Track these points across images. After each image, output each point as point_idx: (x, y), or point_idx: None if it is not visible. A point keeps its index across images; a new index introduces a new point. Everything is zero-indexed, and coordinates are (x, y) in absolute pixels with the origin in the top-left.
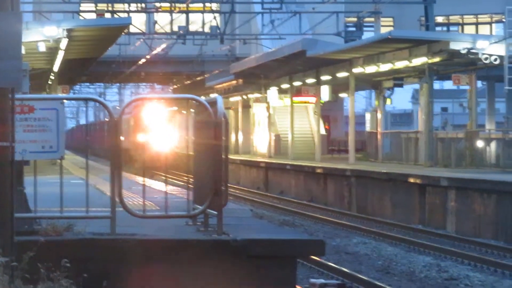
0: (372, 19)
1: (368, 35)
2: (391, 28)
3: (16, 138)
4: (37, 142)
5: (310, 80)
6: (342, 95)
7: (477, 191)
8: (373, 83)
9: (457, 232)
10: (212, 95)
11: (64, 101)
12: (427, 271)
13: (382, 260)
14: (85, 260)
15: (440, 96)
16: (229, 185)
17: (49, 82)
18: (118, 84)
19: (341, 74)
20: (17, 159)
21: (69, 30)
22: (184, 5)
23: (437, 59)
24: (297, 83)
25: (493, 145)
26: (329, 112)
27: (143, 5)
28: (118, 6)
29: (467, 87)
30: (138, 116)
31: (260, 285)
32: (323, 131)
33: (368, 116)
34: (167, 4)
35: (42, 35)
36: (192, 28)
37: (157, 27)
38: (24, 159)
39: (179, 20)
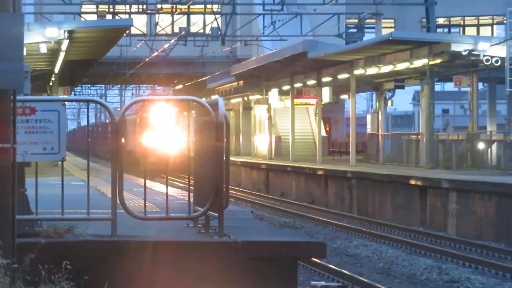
0: (373, 20)
1: (369, 36)
2: (392, 30)
3: (18, 139)
4: (38, 143)
5: (311, 82)
6: (343, 96)
7: (478, 193)
8: (374, 85)
9: (458, 234)
10: (213, 97)
11: (65, 102)
12: (428, 273)
13: (383, 262)
14: (86, 262)
15: (441, 98)
16: (230, 186)
17: (50, 84)
18: (119, 86)
19: (342, 76)
20: (18, 161)
21: (70, 32)
22: (185, 6)
23: (438, 61)
24: (298, 85)
25: (494, 147)
26: (330, 114)
27: (144, 6)
28: (119, 8)
29: (468, 89)
30: (144, 117)
31: (261, 287)
32: (324, 133)
33: (369, 117)
34: (168, 6)
35: (43, 37)
36: (193, 29)
37: (158, 28)
38: (25, 161)
39: (180, 21)
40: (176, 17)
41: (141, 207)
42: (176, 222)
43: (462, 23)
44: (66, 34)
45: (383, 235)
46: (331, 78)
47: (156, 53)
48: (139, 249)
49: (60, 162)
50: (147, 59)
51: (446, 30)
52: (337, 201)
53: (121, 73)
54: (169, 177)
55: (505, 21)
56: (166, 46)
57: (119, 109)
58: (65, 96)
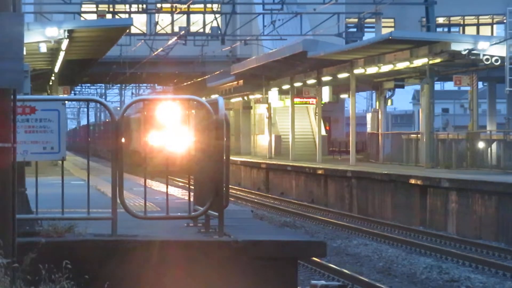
0: (373, 20)
1: (369, 36)
2: (392, 29)
3: (18, 139)
4: (38, 143)
5: (311, 81)
6: (343, 96)
7: (478, 193)
8: (374, 84)
9: (458, 233)
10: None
11: (65, 102)
12: (428, 272)
13: (383, 262)
14: (86, 261)
15: (441, 97)
16: (230, 186)
17: (50, 83)
18: (119, 85)
19: (342, 75)
20: (18, 160)
21: (70, 31)
22: (185, 6)
23: (438, 60)
24: (298, 84)
25: (494, 146)
26: (330, 113)
27: (144, 6)
28: (119, 7)
29: (468, 88)
30: (150, 115)
31: (261, 286)
32: (323, 132)
33: (369, 117)
34: (168, 5)
35: (43, 36)
36: (193, 29)
37: (158, 28)
38: (25, 160)
39: (180, 21)
40: (176, 16)
41: (141, 206)
42: (176, 222)
43: (462, 23)
44: (66, 34)
45: (383, 234)
46: (331, 78)
47: (156, 53)
48: (139, 249)
49: (60, 162)
50: (147, 59)
51: (446, 29)
52: (337, 201)
53: (121, 73)
54: (172, 177)
55: (504, 21)
56: (166, 45)
57: (119, 108)
58: (65, 96)
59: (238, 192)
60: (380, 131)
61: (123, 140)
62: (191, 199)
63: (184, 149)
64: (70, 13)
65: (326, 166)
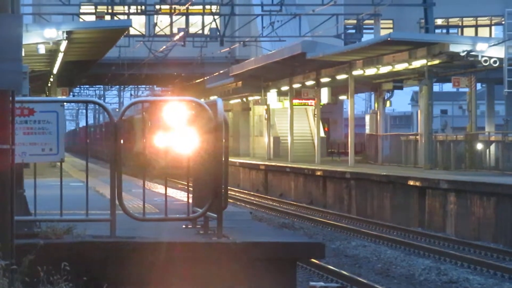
0: (372, 21)
1: (367, 37)
2: (391, 31)
3: (16, 140)
4: (37, 144)
5: (310, 82)
6: (342, 97)
7: (476, 194)
8: (372, 86)
9: (456, 235)
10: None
11: (64, 103)
12: (427, 274)
13: (382, 263)
14: (85, 263)
15: (440, 99)
16: (229, 187)
17: (49, 85)
18: (117, 87)
19: (341, 76)
20: (17, 162)
21: (69, 33)
22: (184, 7)
23: (436, 62)
24: (296, 85)
25: (492, 147)
26: (329, 115)
27: (143, 7)
28: (118, 9)
29: (466, 90)
30: (155, 115)
31: None
32: (322, 134)
33: (367, 118)
34: (167, 6)
35: (42, 37)
36: (192, 30)
37: (157, 29)
38: (24, 162)
39: (179, 22)
40: (174, 17)
41: (140, 208)
42: (175, 223)
43: (460, 24)
44: (65, 35)
45: (382, 235)
46: (330, 79)
47: (154, 54)
48: (138, 250)
49: (58, 163)
50: (146, 60)
51: (444, 31)
52: (336, 202)
53: (119, 74)
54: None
55: (503, 22)
56: (165, 47)
57: (117, 110)
58: (64, 97)
59: (237, 194)
60: (378, 132)
61: (121, 141)
62: (190, 201)
63: (191, 151)
64: (68, 15)
65: (325, 168)
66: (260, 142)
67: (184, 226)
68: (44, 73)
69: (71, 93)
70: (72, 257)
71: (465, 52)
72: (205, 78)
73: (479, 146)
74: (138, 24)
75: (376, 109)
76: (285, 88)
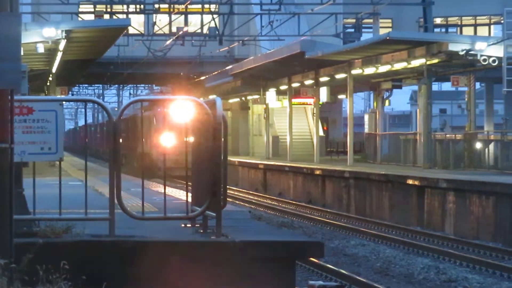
0: (371, 20)
1: (366, 36)
2: (390, 30)
3: (15, 139)
4: (36, 143)
5: (309, 82)
6: (341, 96)
7: (475, 193)
8: (371, 85)
9: (455, 234)
10: (211, 96)
11: (63, 102)
12: (426, 273)
13: (381, 262)
14: (84, 262)
15: (439, 98)
16: (227, 186)
17: (48, 84)
18: (116, 86)
19: (340, 76)
20: (16, 161)
21: (67, 32)
22: (183, 6)
23: (435, 61)
24: (295, 85)
25: (491, 146)
26: (328, 114)
27: (142, 6)
28: (117, 8)
29: (465, 89)
30: (161, 115)
31: (259, 287)
32: (321, 133)
33: (366, 117)
34: (166, 6)
35: (41, 37)
36: (190, 29)
37: (155, 28)
38: (23, 161)
39: (178, 21)
40: (173, 17)
41: (139, 207)
42: (174, 222)
43: (459, 23)
44: (64, 34)
45: (380, 234)
46: (329, 78)
47: (153, 53)
48: (136, 249)
49: (57, 162)
50: (145, 59)
51: (443, 30)
52: (334, 201)
53: (118, 73)
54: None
55: (502, 21)
56: (164, 45)
57: (116, 109)
58: (63, 96)
59: (236, 193)
60: (377, 131)
61: (122, 140)
62: (189, 200)
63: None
64: (67, 14)
65: (324, 167)
66: (259, 141)
67: (183, 225)
68: (43, 72)
69: (70, 92)
70: (71, 256)
71: (464, 51)
72: (204, 77)
73: (478, 145)
74: (137, 23)
75: (375, 108)
76: (284, 87)
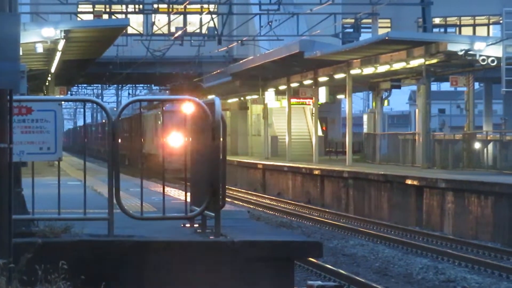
0: (370, 20)
1: (365, 36)
2: (389, 30)
3: (14, 139)
4: (34, 143)
5: (308, 82)
6: (340, 96)
7: (474, 193)
8: (370, 85)
9: (454, 234)
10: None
11: (62, 102)
12: (425, 273)
13: (380, 262)
14: (82, 262)
15: (438, 98)
16: (226, 186)
17: (47, 83)
18: (115, 86)
19: (339, 76)
20: (14, 161)
21: (66, 31)
22: (182, 6)
23: (434, 61)
24: (294, 85)
25: (490, 146)
26: (327, 114)
27: (141, 6)
28: (116, 8)
29: (464, 89)
30: (167, 114)
31: (258, 287)
32: (320, 133)
33: (365, 117)
34: (165, 6)
35: (40, 36)
36: (189, 29)
37: (154, 28)
38: (21, 161)
39: (177, 21)
40: (172, 17)
41: (137, 207)
42: (173, 222)
43: (458, 23)
44: (63, 34)
45: (379, 234)
46: (328, 78)
47: (152, 53)
48: (135, 249)
49: (56, 162)
50: (144, 59)
51: (442, 30)
52: (333, 201)
53: (117, 73)
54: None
55: (501, 21)
56: (162, 46)
57: (115, 109)
58: (62, 96)
59: (234, 193)
60: (376, 131)
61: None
62: (188, 200)
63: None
64: (66, 14)
65: (323, 167)
66: (258, 141)
67: (182, 225)
68: (42, 72)
69: (69, 92)
70: (70, 255)
71: (463, 51)
72: (203, 77)
73: (477, 145)
74: (136, 23)
75: (374, 108)
76: (283, 87)
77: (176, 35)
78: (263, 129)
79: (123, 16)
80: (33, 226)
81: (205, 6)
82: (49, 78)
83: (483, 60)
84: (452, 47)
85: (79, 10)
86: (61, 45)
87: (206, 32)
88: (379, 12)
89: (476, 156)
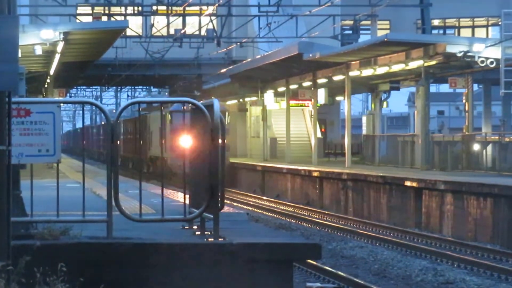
0: (369, 22)
1: (364, 38)
2: (388, 31)
3: (13, 141)
4: (33, 145)
5: (307, 83)
6: (339, 98)
7: (473, 195)
8: (369, 86)
9: (453, 235)
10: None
11: (61, 104)
12: (424, 274)
13: (379, 264)
14: (81, 264)
15: (437, 99)
16: (225, 188)
17: (46, 85)
18: (114, 88)
19: (338, 77)
20: (13, 163)
21: (65, 33)
22: (181, 8)
23: (433, 62)
24: (293, 86)
25: (489, 148)
26: (326, 115)
27: (140, 8)
28: (115, 9)
29: (463, 90)
30: (179, 114)
31: None
32: (319, 134)
33: (364, 119)
34: (164, 7)
35: (39, 38)
36: (188, 31)
37: (153, 30)
38: (20, 163)
39: (176, 23)
40: (171, 18)
41: (136, 209)
42: (172, 224)
43: (457, 25)
44: (62, 36)
45: (378, 236)
46: (327, 80)
47: (151, 55)
48: (134, 251)
49: (55, 164)
50: (143, 61)
51: (441, 31)
52: (332, 203)
53: (116, 75)
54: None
55: (500, 23)
56: (161, 48)
57: (114, 111)
58: (60, 98)
59: (233, 195)
60: (375, 133)
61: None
62: (187, 202)
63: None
64: (65, 16)
65: (322, 169)
66: (257, 143)
67: (181, 227)
68: (41, 74)
69: (68, 94)
70: (68, 258)
71: (462, 53)
72: (202, 79)
73: (476, 146)
74: (135, 25)
75: (373, 110)
76: (282, 89)
77: (175, 37)
78: (262, 131)
79: (122, 18)
80: (32, 228)
81: (204, 8)
82: (48, 80)
83: (482, 61)
84: (451, 49)
85: (78, 12)
86: (60, 47)
87: (205, 34)
88: (378, 13)
89: (475, 158)
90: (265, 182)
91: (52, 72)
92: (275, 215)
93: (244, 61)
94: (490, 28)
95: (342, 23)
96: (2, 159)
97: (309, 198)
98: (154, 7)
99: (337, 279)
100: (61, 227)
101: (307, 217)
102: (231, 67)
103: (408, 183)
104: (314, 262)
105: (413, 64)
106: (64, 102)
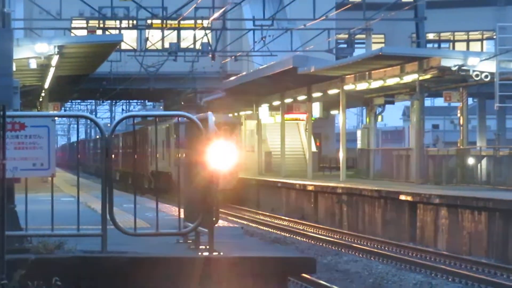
0: (363, 36)
1: (359, 52)
2: (382, 45)
3: (7, 155)
4: (28, 159)
5: (301, 97)
6: (333, 112)
7: (468, 209)
8: (364, 100)
9: (448, 249)
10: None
11: (55, 118)
12: None
13: (373, 278)
14: (76, 278)
15: (431, 113)
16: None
17: (40, 99)
18: (109, 101)
19: (332, 91)
20: (8, 177)
21: (60, 47)
22: (176, 22)
23: (428, 76)
24: (288, 100)
25: (484, 162)
26: (320, 129)
27: (135, 22)
28: (110, 23)
29: (458, 104)
30: (179, 128)
31: None
32: (314, 148)
33: (359, 133)
34: (159, 21)
35: (33, 52)
36: (183, 45)
37: (148, 44)
38: (15, 177)
39: (171, 37)
40: (166, 32)
41: (131, 223)
42: (166, 238)
43: (452, 38)
44: (56, 50)
45: (373, 250)
46: (321, 94)
47: (146, 69)
48: (129, 265)
49: (50, 178)
50: (137, 75)
51: (436, 45)
52: (327, 217)
53: (111, 89)
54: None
55: (494, 36)
56: (156, 61)
57: (109, 125)
58: (55, 112)
59: (228, 209)
60: (370, 147)
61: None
62: (182, 216)
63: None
64: (60, 29)
65: (317, 183)
66: (251, 157)
67: (176, 241)
68: (35, 87)
69: (63, 108)
70: (63, 272)
71: (457, 67)
72: (197, 92)
73: (471, 160)
74: (129, 38)
75: (367, 123)
76: (276, 102)
77: (169, 51)
78: (257, 144)
79: (117, 31)
80: (26, 242)
81: (199, 21)
82: (42, 94)
83: (477, 75)
84: (445, 63)
85: (72, 25)
86: (54, 60)
87: (200, 48)
88: (372, 27)
89: (470, 172)
90: (259, 196)
91: (46, 85)
92: (270, 229)
93: (238, 75)
94: (484, 42)
95: (337, 37)
96: None
97: (304, 212)
98: (149, 21)
99: None
100: (55, 241)
101: (302, 231)
102: (225, 81)
103: (402, 197)
104: (309, 276)
105: (408, 78)
106: (59, 116)
